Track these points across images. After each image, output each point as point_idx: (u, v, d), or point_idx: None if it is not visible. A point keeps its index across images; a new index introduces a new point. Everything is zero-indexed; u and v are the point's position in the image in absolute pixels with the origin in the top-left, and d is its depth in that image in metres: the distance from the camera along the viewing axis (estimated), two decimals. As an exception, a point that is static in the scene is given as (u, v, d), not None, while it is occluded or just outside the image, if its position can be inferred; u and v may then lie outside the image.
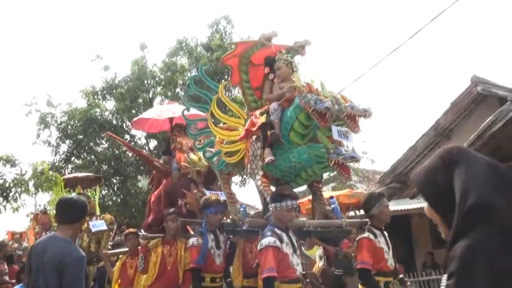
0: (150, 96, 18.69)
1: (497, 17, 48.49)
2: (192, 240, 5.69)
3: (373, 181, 18.84)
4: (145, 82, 18.69)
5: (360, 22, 53.96)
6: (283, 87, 5.13)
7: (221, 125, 5.83)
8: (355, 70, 59.87)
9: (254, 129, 5.07)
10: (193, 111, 6.76)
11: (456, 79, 44.81)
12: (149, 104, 17.61)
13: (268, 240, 4.35)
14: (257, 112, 5.23)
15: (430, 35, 53.46)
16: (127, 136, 18.07)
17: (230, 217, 5.61)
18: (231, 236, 5.90)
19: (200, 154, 6.83)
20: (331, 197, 5.90)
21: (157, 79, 18.73)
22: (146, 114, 8.71)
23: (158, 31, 42.17)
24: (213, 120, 5.73)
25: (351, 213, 11.21)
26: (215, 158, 5.79)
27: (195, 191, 6.67)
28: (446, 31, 49.31)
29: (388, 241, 5.20)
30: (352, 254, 7.90)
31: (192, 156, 6.96)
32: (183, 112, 6.16)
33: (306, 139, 4.82)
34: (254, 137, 5.11)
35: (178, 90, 18.48)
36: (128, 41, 47.29)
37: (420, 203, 14.18)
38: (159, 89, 18.59)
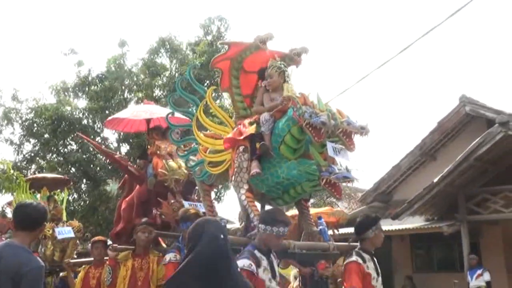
0: (126, 96, 17.98)
1: (488, 35, 49.07)
2: (170, 256, 5.31)
3: (355, 199, 18.58)
4: (123, 81, 17.97)
5: (347, 36, 54.14)
6: (273, 98, 4.85)
7: (205, 132, 5.50)
8: (339, 84, 60.18)
9: (241, 138, 4.71)
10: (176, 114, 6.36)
11: (444, 98, 45.21)
12: (124, 105, 16.95)
13: (243, 262, 3.99)
14: (246, 121, 4.87)
15: (419, 52, 53.88)
16: (98, 138, 17.35)
17: None
18: None
19: (180, 161, 6.46)
20: (319, 218, 5.65)
21: (135, 79, 18.05)
22: (121, 114, 8.18)
23: (143, 28, 41.11)
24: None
25: (330, 232, 10.85)
26: (197, 168, 5.46)
27: (172, 201, 6.23)
28: (436, 48, 49.71)
29: (378, 267, 4.89)
30: (334, 277, 7.74)
31: (171, 162, 6.46)
32: (167, 116, 5.82)
33: (297, 154, 4.52)
34: (241, 148, 4.76)
35: (156, 92, 17.86)
36: (108, 36, 46.27)
37: (402, 225, 13.98)
38: (135, 88, 17.92)
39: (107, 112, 16.78)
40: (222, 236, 2.80)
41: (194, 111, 5.35)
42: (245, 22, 51.84)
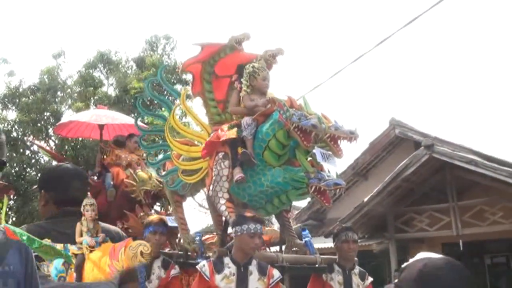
0: (59, 109, 17.26)
1: (416, 63, 51.72)
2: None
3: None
4: (55, 93, 17.29)
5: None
6: (253, 99, 4.56)
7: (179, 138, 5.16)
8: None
9: (220, 140, 4.43)
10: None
11: (376, 119, 47.09)
12: (58, 118, 16.28)
13: (201, 263, 3.94)
14: (224, 126, 4.59)
15: (352, 75, 55.52)
16: (28, 152, 16.47)
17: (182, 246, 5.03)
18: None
19: (151, 171, 6.12)
20: (303, 229, 5.24)
21: (68, 91, 17.40)
22: (79, 117, 7.68)
23: (81, 41, 39.60)
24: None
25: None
26: (169, 177, 5.11)
27: (141, 213, 5.85)
28: (369, 72, 51.84)
29: (351, 283, 4.74)
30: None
31: (141, 173, 6.13)
32: (136, 120, 5.52)
33: (282, 160, 4.27)
34: (220, 154, 4.47)
35: (92, 106, 17.35)
36: (43, 48, 44.18)
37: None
38: (69, 101, 17.26)
39: (39, 125, 16.08)
40: None
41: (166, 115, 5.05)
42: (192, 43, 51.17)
